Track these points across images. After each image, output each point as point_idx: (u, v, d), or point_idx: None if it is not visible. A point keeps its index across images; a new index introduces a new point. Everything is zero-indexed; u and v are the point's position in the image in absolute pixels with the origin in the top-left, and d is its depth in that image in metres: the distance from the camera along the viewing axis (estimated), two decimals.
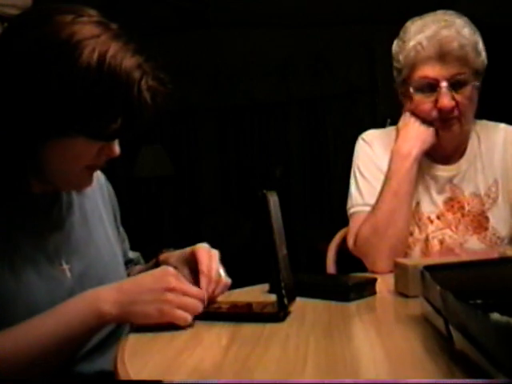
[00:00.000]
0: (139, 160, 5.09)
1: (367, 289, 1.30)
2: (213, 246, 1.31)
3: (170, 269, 1.15)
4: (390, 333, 1.05)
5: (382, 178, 1.75)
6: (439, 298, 0.92)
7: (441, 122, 1.72)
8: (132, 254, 1.58)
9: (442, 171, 1.83)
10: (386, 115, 2.07)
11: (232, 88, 5.42)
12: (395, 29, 1.80)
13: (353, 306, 1.23)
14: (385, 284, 1.38)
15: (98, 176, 1.42)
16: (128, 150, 4.44)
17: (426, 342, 0.97)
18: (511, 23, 4.50)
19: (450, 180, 1.82)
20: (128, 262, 1.54)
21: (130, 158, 4.97)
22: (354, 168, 1.86)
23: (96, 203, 1.39)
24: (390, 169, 1.73)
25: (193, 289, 1.14)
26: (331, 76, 5.44)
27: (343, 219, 1.87)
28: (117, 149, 1.20)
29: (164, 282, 1.10)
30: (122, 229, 1.53)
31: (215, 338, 1.09)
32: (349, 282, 1.28)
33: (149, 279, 1.13)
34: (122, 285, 1.13)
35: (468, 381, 0.56)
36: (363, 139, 1.90)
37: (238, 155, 5.85)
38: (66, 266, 1.23)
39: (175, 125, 5.49)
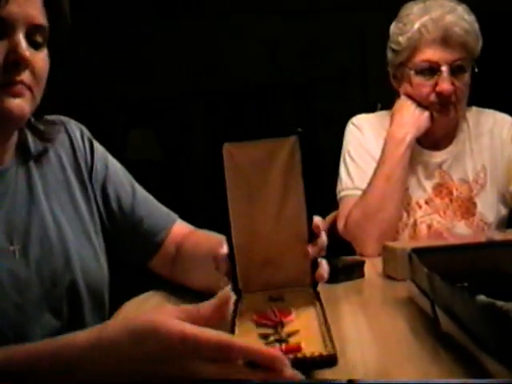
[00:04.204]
0: (129, 143, 5.08)
1: (356, 271, 1.32)
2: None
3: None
4: (378, 315, 1.07)
5: (371, 162, 1.76)
6: (426, 281, 0.93)
7: (438, 106, 1.73)
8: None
9: (431, 157, 1.84)
10: (377, 100, 2.07)
11: (223, 73, 5.40)
12: (387, 14, 1.81)
13: (341, 287, 1.24)
14: (373, 267, 1.40)
15: (73, 138, 1.26)
16: (120, 133, 4.40)
17: (413, 324, 0.99)
18: (504, 10, 4.51)
19: (439, 166, 1.83)
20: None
21: (122, 140, 4.95)
22: (344, 152, 1.87)
23: (62, 173, 1.22)
24: (383, 153, 1.74)
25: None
26: (322, 60, 5.42)
27: (333, 203, 1.88)
28: (22, 44, 1.01)
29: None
30: (138, 196, 1.30)
31: None
32: (338, 264, 1.29)
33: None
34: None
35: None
36: (353, 123, 1.90)
37: (228, 140, 5.81)
38: (15, 247, 1.09)
39: (166, 109, 5.47)
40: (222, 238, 1.06)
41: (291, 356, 0.70)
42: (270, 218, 0.89)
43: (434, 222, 1.78)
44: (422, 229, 1.78)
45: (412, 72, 1.73)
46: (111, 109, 5.11)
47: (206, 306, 0.72)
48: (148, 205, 1.31)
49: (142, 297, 1.23)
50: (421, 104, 1.75)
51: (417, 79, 1.74)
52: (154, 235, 1.28)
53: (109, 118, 5.05)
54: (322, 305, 0.87)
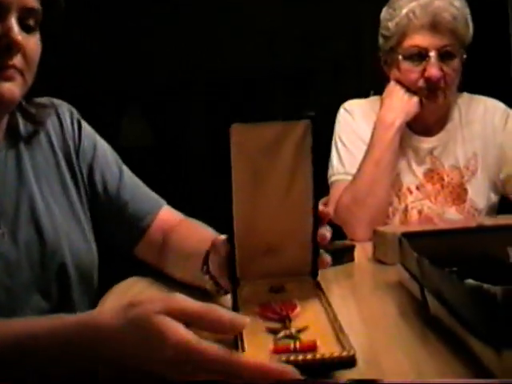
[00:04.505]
0: (122, 130, 5.07)
1: (346, 255, 1.32)
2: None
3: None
4: (367, 298, 1.07)
5: (363, 147, 1.76)
6: (415, 265, 0.94)
7: (427, 92, 1.73)
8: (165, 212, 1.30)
9: (423, 143, 1.84)
10: (370, 88, 2.07)
11: (219, 61, 5.38)
12: (382, 3, 1.80)
13: (331, 271, 1.24)
14: (363, 252, 1.40)
15: (63, 119, 1.25)
16: (113, 120, 4.37)
17: (402, 308, 0.99)
18: None
19: (431, 151, 1.83)
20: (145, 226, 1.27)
21: (114, 127, 4.93)
22: (336, 137, 1.87)
23: (53, 155, 1.21)
24: (372, 138, 1.74)
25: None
26: (318, 49, 5.41)
27: (324, 188, 1.88)
28: (15, 28, 1.01)
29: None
30: (124, 180, 1.29)
31: None
32: (328, 248, 1.28)
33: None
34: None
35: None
36: (345, 108, 1.90)
37: (224, 127, 5.78)
38: (3, 230, 1.09)
39: (161, 98, 5.45)
40: (210, 232, 1.06)
41: (309, 357, 0.68)
42: (275, 203, 0.85)
43: (425, 208, 1.79)
44: (413, 214, 1.78)
45: (400, 57, 1.73)
46: (105, 96, 5.08)
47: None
48: (134, 189, 1.30)
49: (127, 282, 1.22)
50: (410, 89, 1.75)
51: (405, 64, 1.74)
52: (138, 220, 1.26)
53: (102, 105, 5.02)
54: (325, 296, 0.85)
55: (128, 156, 1.42)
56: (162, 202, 1.31)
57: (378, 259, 1.33)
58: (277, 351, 0.70)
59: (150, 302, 0.70)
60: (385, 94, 1.81)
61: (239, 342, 0.71)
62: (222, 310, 0.68)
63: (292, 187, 0.84)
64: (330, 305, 0.82)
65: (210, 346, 0.64)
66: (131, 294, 1.16)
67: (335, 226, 1.74)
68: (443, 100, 1.75)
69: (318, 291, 0.87)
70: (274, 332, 0.75)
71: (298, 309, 0.81)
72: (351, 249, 1.35)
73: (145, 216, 1.26)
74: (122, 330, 0.69)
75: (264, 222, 0.86)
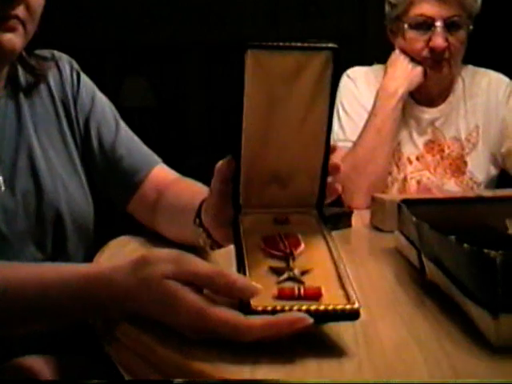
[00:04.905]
0: (123, 90, 5.04)
1: (343, 221, 1.31)
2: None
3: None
4: (364, 264, 1.06)
5: (364, 115, 1.75)
6: (414, 230, 0.93)
7: (431, 62, 1.72)
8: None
9: (425, 113, 1.83)
10: (374, 59, 2.05)
11: (221, 27, 5.34)
12: None
13: None
14: (361, 219, 1.39)
15: (63, 71, 1.24)
16: (114, 80, 4.34)
17: (399, 274, 0.99)
18: None
19: (432, 122, 1.82)
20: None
21: (115, 88, 4.90)
22: (338, 104, 1.85)
23: (52, 105, 1.20)
24: (374, 106, 1.72)
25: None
26: (321, 20, 5.37)
27: None
28: None
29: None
30: (121, 134, 1.27)
31: None
32: (324, 213, 1.28)
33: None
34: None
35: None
36: (348, 76, 1.88)
37: (224, 93, 5.77)
38: (0, 178, 1.09)
39: (161, 59, 5.41)
40: (206, 188, 1.04)
41: (313, 307, 0.67)
42: (287, 131, 0.82)
43: (424, 179, 1.78)
44: (412, 184, 1.78)
45: (406, 26, 1.71)
46: (106, 55, 5.05)
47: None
48: (130, 144, 1.28)
49: (119, 240, 1.20)
50: (414, 59, 1.74)
51: (411, 33, 1.72)
52: (132, 175, 1.24)
53: (103, 64, 4.99)
54: (329, 232, 0.83)
55: (128, 116, 1.41)
56: (158, 159, 1.29)
57: (375, 226, 1.33)
58: (281, 296, 0.69)
59: (161, 262, 0.70)
60: (389, 63, 1.79)
61: None
62: (234, 275, 0.69)
63: (307, 118, 0.81)
64: (333, 242, 0.80)
65: (220, 312, 0.66)
66: (125, 252, 1.15)
67: None
68: (447, 71, 1.74)
69: (321, 226, 0.85)
70: (277, 272, 0.74)
71: (302, 246, 0.80)
72: (349, 214, 1.34)
73: (138, 171, 1.24)
74: (133, 288, 0.71)
75: (274, 150, 0.83)
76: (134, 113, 4.74)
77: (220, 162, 0.85)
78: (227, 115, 4.87)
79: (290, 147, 0.83)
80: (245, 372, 0.61)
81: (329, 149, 0.83)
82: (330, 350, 0.67)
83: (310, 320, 0.64)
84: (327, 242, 0.81)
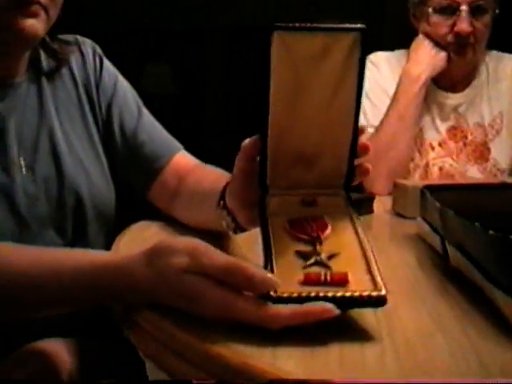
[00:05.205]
0: (144, 76, 5.04)
1: (364, 206, 1.29)
2: None
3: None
4: (385, 249, 1.05)
5: (386, 100, 1.73)
6: (438, 216, 0.92)
7: (455, 47, 1.69)
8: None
9: (448, 99, 1.80)
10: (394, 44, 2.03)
11: (240, 9, 5.32)
12: None
13: None
14: (382, 205, 1.38)
15: (86, 55, 1.23)
16: (135, 66, 4.33)
17: (421, 260, 0.97)
18: None
19: (455, 108, 1.80)
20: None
21: (137, 73, 4.90)
22: None
23: (75, 90, 1.20)
24: (397, 91, 1.70)
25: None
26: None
27: None
28: None
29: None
30: (143, 121, 1.26)
31: None
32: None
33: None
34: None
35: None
36: (370, 60, 1.86)
37: (245, 79, 5.75)
38: (22, 162, 1.08)
39: (183, 43, 5.40)
40: (228, 174, 1.02)
41: (339, 294, 0.66)
42: (315, 113, 0.80)
43: (446, 165, 1.76)
44: (434, 171, 1.76)
45: (430, 10, 1.69)
46: (128, 40, 5.05)
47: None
48: (152, 130, 1.27)
49: (139, 225, 1.19)
50: (438, 44, 1.71)
51: (435, 18, 1.69)
52: (153, 161, 1.23)
53: (125, 49, 4.99)
54: (356, 215, 0.81)
55: (149, 102, 1.40)
56: (180, 146, 1.28)
57: (397, 212, 1.31)
58: (307, 282, 0.68)
59: (177, 254, 0.69)
60: (412, 47, 1.77)
61: (268, 268, 0.70)
62: (252, 268, 0.67)
63: (335, 99, 0.79)
64: (361, 225, 0.79)
65: (246, 303, 0.65)
66: (145, 237, 1.14)
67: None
68: (472, 56, 1.72)
69: (349, 208, 0.83)
70: (304, 257, 0.73)
71: (329, 229, 0.78)
72: (371, 200, 1.32)
73: (160, 157, 1.23)
74: (150, 280, 0.71)
75: (301, 131, 0.81)
76: (155, 99, 4.75)
77: (246, 141, 0.84)
78: (247, 101, 4.85)
79: (317, 128, 0.81)
80: (265, 356, 0.60)
81: (357, 130, 0.81)
82: (353, 335, 0.66)
83: (337, 311, 0.63)
84: (354, 225, 0.79)
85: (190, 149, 1.29)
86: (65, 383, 0.94)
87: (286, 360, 0.60)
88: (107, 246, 1.13)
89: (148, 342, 0.73)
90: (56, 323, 0.98)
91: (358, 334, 0.66)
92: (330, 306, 0.64)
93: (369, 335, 0.66)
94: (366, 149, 0.83)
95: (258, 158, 0.83)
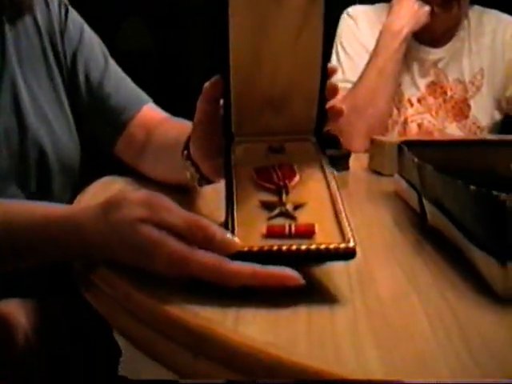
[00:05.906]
0: (120, 33, 4.95)
1: (340, 163, 1.25)
2: None
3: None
4: (361, 206, 1.01)
5: (365, 55, 1.69)
6: (415, 172, 0.88)
7: (440, 0, 1.64)
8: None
9: (428, 54, 1.76)
10: None
11: None
12: None
13: None
14: (359, 162, 1.34)
15: (50, 2, 1.18)
16: (110, 23, 4.24)
17: (398, 219, 0.94)
18: None
19: (435, 63, 1.76)
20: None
21: (112, 31, 4.80)
22: (337, 43, 1.80)
23: (38, 38, 1.15)
24: (377, 46, 1.66)
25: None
26: None
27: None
28: None
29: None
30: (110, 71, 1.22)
31: None
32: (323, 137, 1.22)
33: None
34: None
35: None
36: (348, 14, 1.82)
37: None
38: None
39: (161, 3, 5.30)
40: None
41: (303, 247, 0.61)
42: (280, 53, 0.74)
43: (425, 122, 1.73)
44: (413, 127, 1.72)
45: None
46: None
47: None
48: (119, 82, 1.22)
49: (103, 180, 1.14)
50: None
51: None
52: (120, 113, 1.18)
53: (100, 5, 4.88)
54: (327, 162, 0.76)
55: (126, 59, 1.35)
56: (148, 99, 1.22)
57: (373, 169, 1.28)
58: (270, 235, 0.63)
59: (133, 206, 0.64)
60: (394, 1, 1.72)
61: (229, 220, 0.65)
62: (214, 227, 0.62)
63: (300, 37, 0.74)
64: (331, 173, 0.73)
65: (204, 257, 0.60)
66: (109, 192, 1.09)
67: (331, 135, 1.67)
68: (457, 11, 1.68)
69: (320, 154, 0.77)
70: (268, 207, 0.68)
71: (297, 177, 0.72)
72: (346, 156, 1.28)
73: (126, 109, 1.18)
74: (103, 232, 0.66)
75: (267, 74, 0.76)
76: (132, 56, 4.67)
77: (207, 83, 0.79)
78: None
79: (284, 70, 0.76)
80: (227, 320, 0.56)
81: (326, 71, 0.76)
82: (322, 297, 0.61)
83: (302, 281, 0.58)
84: (325, 173, 0.74)
85: (171, 106, 1.24)
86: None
87: (250, 325, 0.55)
88: (73, 203, 1.08)
89: (106, 303, 0.68)
90: (14, 282, 0.94)
91: (328, 297, 0.61)
92: (294, 273, 0.59)
93: (339, 298, 0.61)
94: (335, 90, 0.78)
95: (222, 102, 0.78)
